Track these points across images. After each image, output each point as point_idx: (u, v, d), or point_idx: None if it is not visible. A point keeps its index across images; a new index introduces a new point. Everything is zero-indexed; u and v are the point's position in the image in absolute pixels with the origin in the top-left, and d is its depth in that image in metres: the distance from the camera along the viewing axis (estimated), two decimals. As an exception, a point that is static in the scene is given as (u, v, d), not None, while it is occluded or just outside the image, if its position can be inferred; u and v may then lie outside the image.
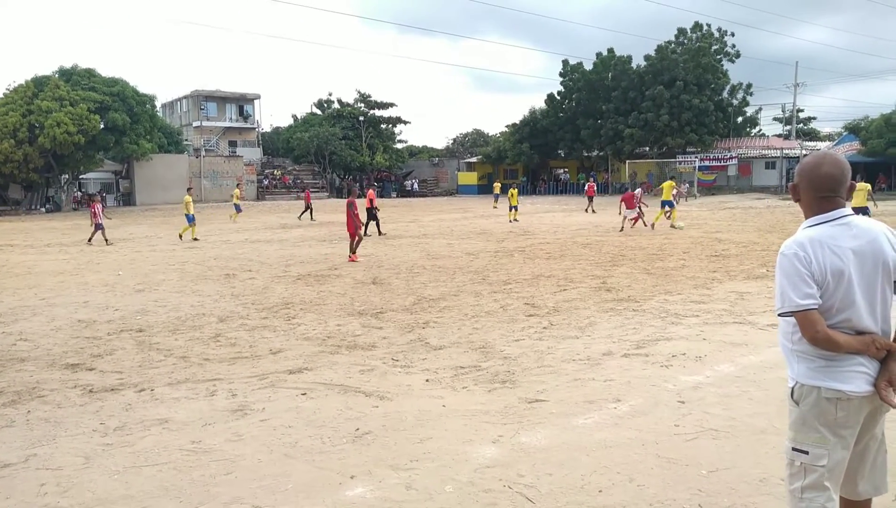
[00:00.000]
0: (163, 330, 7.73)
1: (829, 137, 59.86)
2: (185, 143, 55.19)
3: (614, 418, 4.60)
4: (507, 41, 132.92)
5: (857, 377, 2.33)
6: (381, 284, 10.84)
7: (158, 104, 49.71)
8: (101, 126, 39.27)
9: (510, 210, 26.08)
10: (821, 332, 2.29)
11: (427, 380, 5.54)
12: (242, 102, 63.57)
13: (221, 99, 61.87)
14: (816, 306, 2.31)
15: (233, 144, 61.89)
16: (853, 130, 43.66)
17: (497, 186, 39.67)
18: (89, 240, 19.23)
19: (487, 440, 4.25)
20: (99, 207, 19.43)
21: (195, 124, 59.83)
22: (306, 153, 56.81)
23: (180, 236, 20.08)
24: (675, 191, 23.26)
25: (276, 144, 65.26)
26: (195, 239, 19.65)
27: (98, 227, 18.97)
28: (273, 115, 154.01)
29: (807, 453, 2.37)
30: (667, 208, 21.30)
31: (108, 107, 39.40)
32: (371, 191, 22.35)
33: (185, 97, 62.81)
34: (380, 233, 20.08)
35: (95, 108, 38.55)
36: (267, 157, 64.27)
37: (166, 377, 5.80)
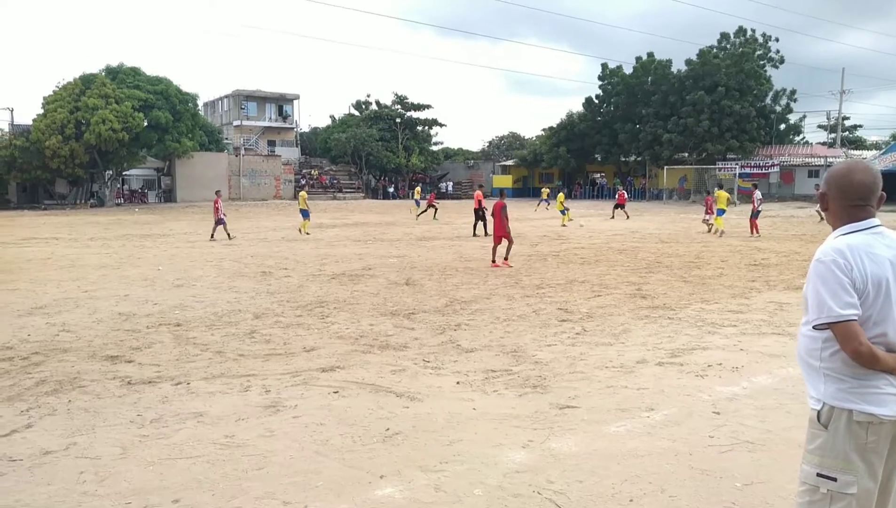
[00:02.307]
0: (200, 325, 7.88)
1: (875, 146, 58.20)
2: (226, 141, 56.24)
3: (647, 427, 4.54)
4: (546, 44, 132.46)
5: (889, 399, 2.20)
6: (414, 285, 10.88)
7: (200, 103, 50.85)
8: (145, 124, 40.26)
9: (562, 214, 25.99)
10: (864, 345, 2.15)
11: (458, 382, 5.54)
12: (282, 102, 64.47)
13: (262, 99, 62.87)
14: (857, 317, 2.17)
15: (272, 143, 62.81)
16: (902, 138, 42.32)
17: (545, 190, 39.56)
18: (212, 236, 19.34)
19: (517, 445, 4.22)
20: (221, 202, 19.59)
21: (235, 123, 60.92)
22: (343, 154, 57.40)
23: (300, 231, 20.87)
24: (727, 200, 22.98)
25: (314, 145, 66.05)
26: (307, 233, 20.60)
27: (219, 222, 19.15)
28: (311, 115, 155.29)
29: (835, 480, 2.22)
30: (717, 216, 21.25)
31: (151, 105, 40.37)
32: (478, 192, 22.41)
33: (226, 97, 64.00)
34: (486, 234, 19.72)
35: (139, 106, 39.55)
36: (305, 157, 65.07)
37: (202, 372, 5.90)
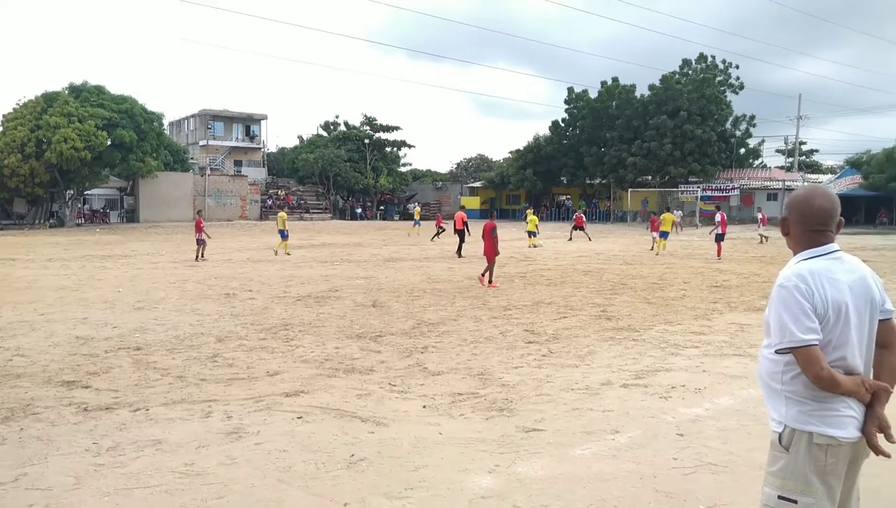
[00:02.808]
0: (160, 349, 7.70)
1: (831, 170, 60.12)
2: (191, 161, 55.60)
3: (612, 449, 4.55)
4: (514, 68, 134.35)
5: (848, 421, 2.24)
6: (381, 307, 10.82)
7: (166, 122, 50.24)
8: (108, 143, 39.54)
9: (531, 236, 25.83)
10: (825, 370, 2.19)
11: (424, 406, 5.50)
12: (249, 123, 64.11)
13: (228, 119, 62.43)
14: (818, 342, 2.21)
15: (238, 163, 62.29)
16: (855, 164, 43.91)
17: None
18: (200, 257, 19.03)
19: (484, 470, 4.20)
20: (203, 222, 19.62)
21: (202, 143, 60.31)
22: (311, 174, 57.18)
23: (275, 252, 21.07)
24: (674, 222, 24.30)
25: (282, 165, 65.69)
26: (287, 253, 20.82)
27: (200, 242, 19.06)
28: (279, 135, 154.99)
29: (795, 502, 2.26)
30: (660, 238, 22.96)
31: (115, 124, 39.71)
32: (461, 213, 22.67)
33: (192, 116, 63.41)
34: (459, 255, 20.57)
35: (103, 124, 38.86)
36: (272, 177, 64.63)
37: (162, 397, 5.76)
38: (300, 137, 68.85)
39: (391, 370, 6.74)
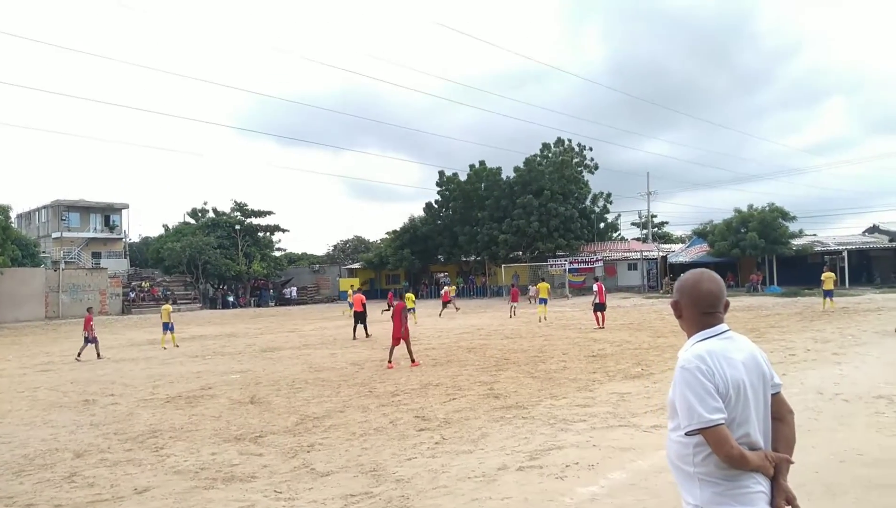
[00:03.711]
0: (5, 472, 6.73)
1: (681, 240, 65.47)
2: (43, 255, 51.39)
3: (515, 540, 4.41)
4: (386, 153, 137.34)
5: (758, 498, 2.28)
6: (260, 403, 10.20)
7: (13, 215, 46.30)
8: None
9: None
10: (735, 448, 2.22)
11: (315, 513, 5.12)
12: (109, 212, 60.74)
13: (85, 209, 58.88)
14: (724, 421, 2.24)
15: (97, 255, 58.41)
16: (701, 233, 48.06)
17: (452, 289, 39.90)
18: (79, 356, 18.16)
19: (385, 580, 3.91)
20: (93, 320, 19.07)
21: (55, 235, 56.17)
22: (178, 263, 54.45)
23: (164, 347, 20.58)
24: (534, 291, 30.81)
25: (146, 255, 62.27)
26: (177, 346, 20.78)
27: (91, 340, 18.32)
28: (142, 224, 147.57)
29: None
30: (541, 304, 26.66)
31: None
32: (360, 295, 22.97)
33: (44, 207, 59.16)
34: (367, 335, 21.21)
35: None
36: (135, 268, 61.06)
37: (5, 534, 4.97)
38: (165, 226, 65.91)
39: (275, 474, 6.27)
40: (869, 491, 5.01)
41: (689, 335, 2.51)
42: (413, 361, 13.90)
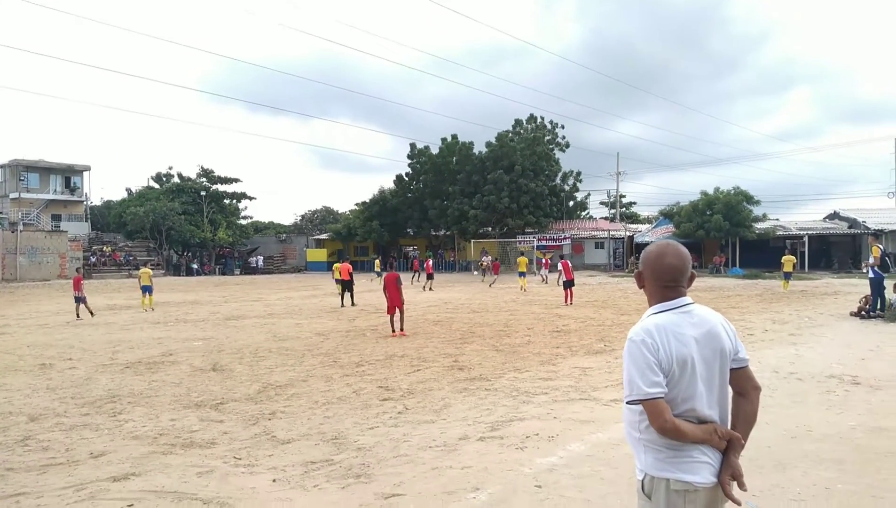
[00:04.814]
0: (-47, 436, 6.56)
1: (648, 221, 66.29)
2: (0, 216, 49.86)
3: (474, 509, 4.45)
4: (358, 123, 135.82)
5: (702, 467, 2.32)
6: (222, 370, 10.09)
7: (-33, 172, 44.69)
8: None
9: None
10: (669, 422, 2.26)
11: (274, 480, 5.09)
12: (70, 174, 59.07)
13: (45, 169, 57.20)
14: (663, 395, 2.29)
15: (56, 217, 56.93)
16: (667, 215, 48.76)
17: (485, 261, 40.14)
18: (78, 316, 18.90)
19: (342, 546, 3.92)
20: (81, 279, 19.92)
21: (13, 196, 54.54)
22: (141, 229, 53.38)
23: (146, 309, 21.35)
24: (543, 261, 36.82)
25: (107, 219, 60.85)
26: (152, 308, 21.43)
27: (80, 299, 19.16)
28: (104, 187, 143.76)
29: None
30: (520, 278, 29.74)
31: None
32: (347, 264, 23.38)
33: (2, 166, 57.24)
34: (353, 303, 21.95)
35: None
36: (96, 232, 59.67)
37: (-47, 496, 4.85)
38: (128, 190, 64.55)
39: (235, 441, 6.22)
40: (816, 465, 5.17)
41: (650, 305, 2.52)
42: (402, 330, 14.06)
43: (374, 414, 7.13)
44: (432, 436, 6.22)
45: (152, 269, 29.61)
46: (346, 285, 22.40)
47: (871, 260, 15.71)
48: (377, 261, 42.74)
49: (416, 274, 32.16)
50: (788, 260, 27.34)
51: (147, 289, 21.81)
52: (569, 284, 22.08)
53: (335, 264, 28.56)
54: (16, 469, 5.49)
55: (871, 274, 15.69)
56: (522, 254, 34.38)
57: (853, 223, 44.08)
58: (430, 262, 33.77)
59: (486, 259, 38.56)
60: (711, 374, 2.39)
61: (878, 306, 15.41)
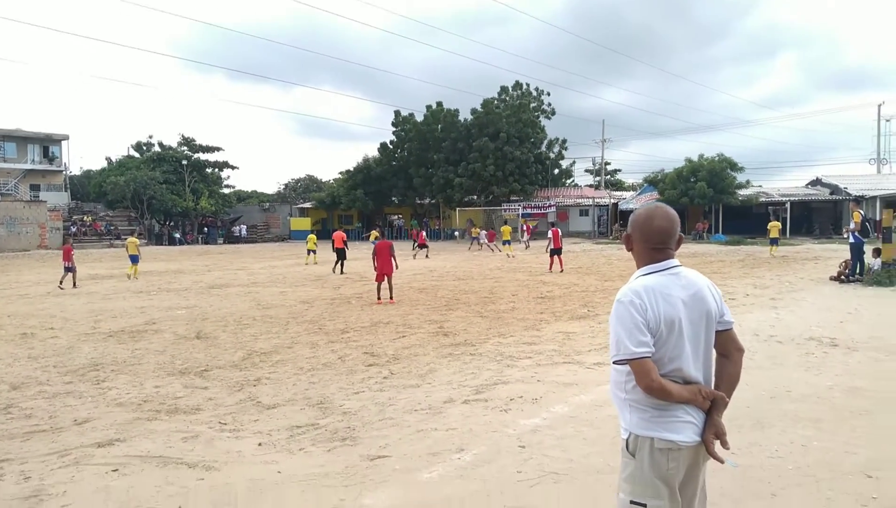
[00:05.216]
0: (-66, 405, 6.50)
1: (632, 188, 66.45)
2: (-24, 185, 49.02)
3: (459, 469, 4.50)
4: (341, 90, 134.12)
5: (686, 427, 2.35)
6: (206, 338, 10.06)
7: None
8: None
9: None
10: (655, 381, 2.28)
11: (259, 444, 5.11)
12: (48, 143, 57.98)
13: (22, 139, 56.09)
14: (650, 355, 2.31)
15: (35, 187, 56.01)
16: (652, 182, 48.86)
17: (476, 229, 39.21)
18: (74, 285, 18.97)
19: (328, 507, 3.95)
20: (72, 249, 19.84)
21: (-11, 166, 53.40)
22: (122, 198, 52.66)
23: (129, 276, 21.58)
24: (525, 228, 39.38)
25: (87, 189, 59.95)
26: (136, 278, 21.27)
27: (69, 269, 19.06)
28: (83, 157, 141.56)
29: (645, 506, 2.35)
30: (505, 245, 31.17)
31: None
32: (340, 232, 24.09)
33: (-24, 135, 55.98)
34: (341, 272, 22.24)
35: None
36: (76, 202, 58.81)
37: (-65, 464, 4.82)
38: (108, 159, 63.52)
39: (220, 406, 6.23)
40: (794, 424, 5.27)
41: (638, 268, 2.53)
42: (391, 298, 14.06)
43: (360, 380, 7.16)
44: (417, 400, 6.26)
45: (123, 239, 29.49)
46: (340, 253, 22.86)
47: (852, 225, 15.90)
48: (374, 233, 41.28)
49: (420, 247, 31.76)
50: (774, 226, 28.17)
51: (134, 258, 22.00)
52: (556, 252, 22.10)
53: (310, 235, 28.87)
54: (-1, 436, 5.46)
55: (851, 239, 15.89)
56: (506, 222, 35.30)
57: (835, 190, 44.49)
58: (424, 233, 34.21)
59: (482, 233, 37.52)
60: (697, 335, 2.42)
61: (858, 271, 15.64)
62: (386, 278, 14.19)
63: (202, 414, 5.98)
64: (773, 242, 27.65)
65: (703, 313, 2.43)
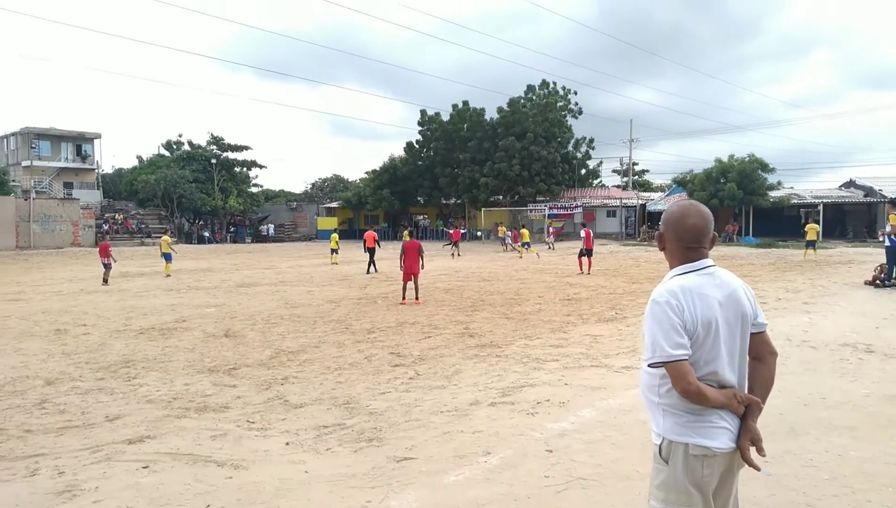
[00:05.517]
0: (-28, 399, 6.66)
1: (660, 189, 65.71)
2: (13, 184, 50.19)
3: (485, 472, 4.48)
4: (367, 90, 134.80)
5: (721, 433, 2.30)
6: (235, 336, 10.17)
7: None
8: None
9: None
10: (693, 384, 2.23)
11: (287, 443, 5.15)
12: (81, 142, 59.19)
13: (57, 137, 57.37)
14: (687, 357, 2.25)
15: (69, 185, 57.25)
16: (681, 182, 48.25)
17: (502, 229, 40.53)
18: (105, 281, 19.37)
19: (355, 508, 3.96)
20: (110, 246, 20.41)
21: (25, 164, 54.80)
22: (152, 196, 53.52)
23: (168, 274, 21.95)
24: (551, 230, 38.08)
25: (119, 187, 61.13)
26: (168, 275, 21.63)
27: (108, 266, 19.66)
28: (115, 155, 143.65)
29: None
30: (526, 246, 31.31)
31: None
32: (371, 232, 24.37)
33: (13, 134, 57.45)
34: (376, 270, 22.49)
35: None
36: (108, 200, 60.02)
37: (-27, 457, 4.93)
38: (139, 158, 64.67)
39: (248, 405, 6.28)
40: (829, 432, 5.15)
41: (671, 267, 2.47)
42: (416, 299, 14.09)
43: (386, 380, 7.17)
44: (444, 401, 6.25)
45: (154, 237, 30.06)
46: (372, 253, 23.22)
47: (888, 228, 15.50)
48: (406, 233, 41.46)
49: (454, 245, 32.62)
50: (812, 228, 27.50)
51: (167, 256, 22.45)
52: (587, 253, 21.90)
53: (333, 235, 29.03)
54: (34, 430, 5.57)
55: (887, 243, 15.49)
56: (524, 226, 35.51)
57: (869, 192, 43.49)
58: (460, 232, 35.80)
59: (508, 234, 38.26)
60: (733, 338, 2.36)
61: (894, 275, 15.26)
62: (412, 278, 14.20)
63: (231, 412, 6.04)
64: (810, 244, 26.91)
65: (738, 315, 2.38)
